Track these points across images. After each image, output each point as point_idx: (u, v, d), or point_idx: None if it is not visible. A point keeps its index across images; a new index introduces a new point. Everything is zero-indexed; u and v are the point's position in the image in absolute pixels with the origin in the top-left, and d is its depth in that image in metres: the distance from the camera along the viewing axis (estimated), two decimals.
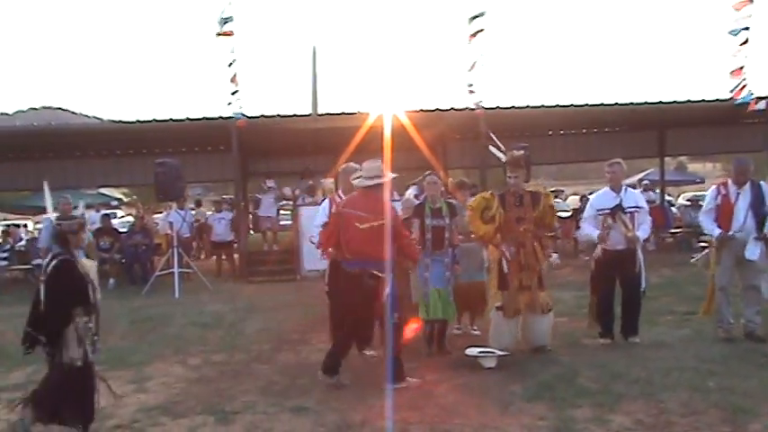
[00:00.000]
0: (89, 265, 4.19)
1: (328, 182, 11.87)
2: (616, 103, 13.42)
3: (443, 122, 13.00)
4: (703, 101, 13.07)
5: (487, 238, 5.67)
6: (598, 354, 5.55)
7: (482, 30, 11.86)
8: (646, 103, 13.47)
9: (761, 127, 14.63)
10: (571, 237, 13.53)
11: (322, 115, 12.17)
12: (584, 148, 16.61)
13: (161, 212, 16.06)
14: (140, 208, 16.56)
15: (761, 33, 12.97)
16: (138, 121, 12.66)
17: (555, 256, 6.13)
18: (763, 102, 11.30)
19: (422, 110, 12.20)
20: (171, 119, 12.29)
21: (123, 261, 12.13)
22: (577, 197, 17.31)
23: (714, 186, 6.18)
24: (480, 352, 5.33)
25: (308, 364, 5.64)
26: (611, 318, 5.97)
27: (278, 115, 12.73)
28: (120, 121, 13.45)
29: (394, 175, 5.29)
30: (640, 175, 18.95)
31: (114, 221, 15.99)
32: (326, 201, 6.14)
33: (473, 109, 12.18)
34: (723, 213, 5.87)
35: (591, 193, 11.49)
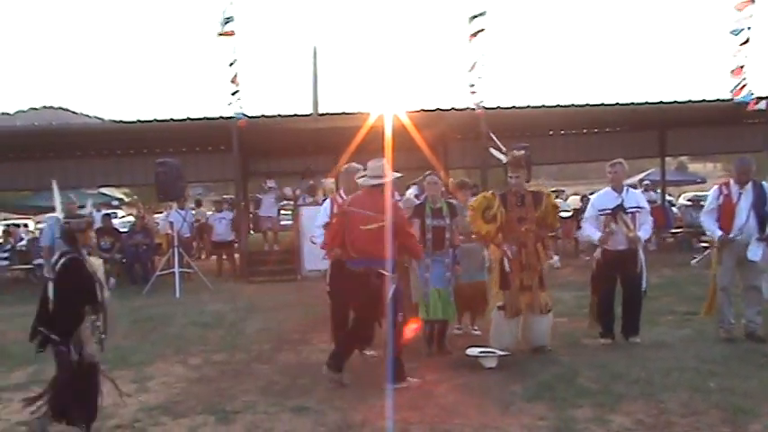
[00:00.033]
0: (96, 264, 4.20)
1: (329, 182, 11.87)
2: (617, 103, 13.41)
3: (444, 122, 12.99)
4: (704, 101, 13.05)
5: (489, 237, 5.67)
6: (598, 354, 5.55)
7: (483, 29, 11.86)
8: (646, 103, 13.45)
9: (761, 127, 14.63)
10: (572, 237, 13.54)
11: (323, 115, 12.17)
12: (585, 148, 16.60)
13: (161, 212, 16.07)
14: (141, 208, 16.60)
15: (762, 33, 12.97)
16: (139, 120, 12.66)
17: (556, 258, 6.13)
18: (764, 102, 11.30)
19: (422, 110, 12.18)
20: (172, 119, 12.29)
21: (124, 261, 12.15)
22: (578, 197, 17.32)
23: (716, 186, 6.17)
24: (481, 352, 5.33)
25: (308, 364, 5.65)
26: (612, 318, 5.97)
27: (279, 115, 12.73)
28: (121, 121, 13.44)
29: (399, 175, 5.31)
30: (641, 175, 18.91)
31: (115, 221, 16.01)
32: (328, 201, 6.14)
33: (474, 109, 12.18)
34: (725, 213, 5.87)
35: (592, 193, 11.49)
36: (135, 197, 30.28)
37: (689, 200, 17.34)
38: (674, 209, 16.86)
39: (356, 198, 5.15)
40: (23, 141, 13.65)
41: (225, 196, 17.91)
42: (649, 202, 7.59)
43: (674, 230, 14.59)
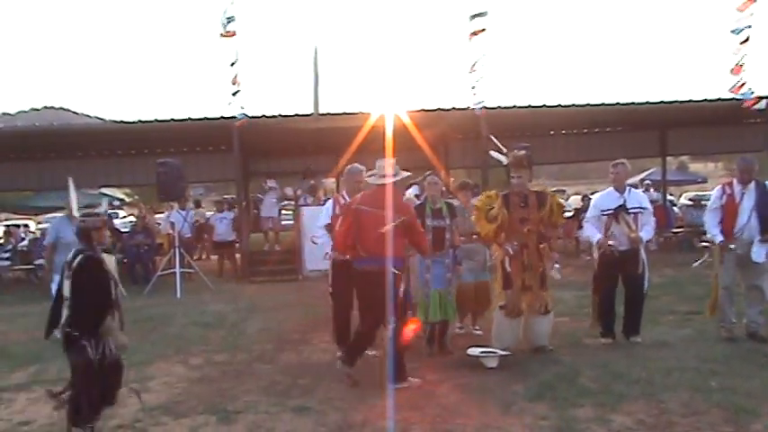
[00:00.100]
0: (110, 261, 4.20)
1: (329, 182, 11.92)
2: (618, 103, 13.39)
3: (445, 122, 12.99)
4: (705, 101, 13.03)
5: (490, 237, 5.67)
6: (599, 353, 5.55)
7: (483, 29, 11.84)
8: (647, 102, 13.44)
9: (762, 127, 14.63)
10: (573, 237, 13.54)
11: (323, 115, 12.16)
12: (586, 147, 16.60)
13: (163, 212, 16.08)
14: (142, 208, 16.56)
15: (762, 32, 12.96)
16: (140, 121, 12.67)
17: (557, 267, 6.10)
18: (764, 101, 11.28)
19: (423, 109, 12.18)
20: (172, 119, 12.30)
21: (125, 261, 12.14)
22: (579, 197, 17.31)
23: (719, 186, 6.17)
24: (482, 352, 5.33)
25: (309, 364, 5.65)
26: (613, 317, 5.97)
27: (279, 115, 12.72)
28: (122, 122, 13.46)
29: (408, 174, 5.33)
30: (642, 175, 18.95)
31: (116, 221, 16.02)
32: (330, 201, 6.13)
33: (474, 110, 12.17)
34: (728, 213, 5.87)
35: (593, 193, 11.52)
36: (136, 197, 30.27)
37: (690, 199, 17.33)
38: (675, 208, 16.86)
39: (365, 196, 5.15)
40: (24, 141, 13.65)
41: (226, 196, 17.91)
42: (650, 201, 7.58)
43: (675, 230, 14.60)
